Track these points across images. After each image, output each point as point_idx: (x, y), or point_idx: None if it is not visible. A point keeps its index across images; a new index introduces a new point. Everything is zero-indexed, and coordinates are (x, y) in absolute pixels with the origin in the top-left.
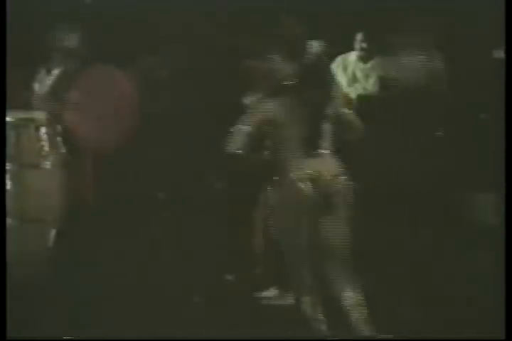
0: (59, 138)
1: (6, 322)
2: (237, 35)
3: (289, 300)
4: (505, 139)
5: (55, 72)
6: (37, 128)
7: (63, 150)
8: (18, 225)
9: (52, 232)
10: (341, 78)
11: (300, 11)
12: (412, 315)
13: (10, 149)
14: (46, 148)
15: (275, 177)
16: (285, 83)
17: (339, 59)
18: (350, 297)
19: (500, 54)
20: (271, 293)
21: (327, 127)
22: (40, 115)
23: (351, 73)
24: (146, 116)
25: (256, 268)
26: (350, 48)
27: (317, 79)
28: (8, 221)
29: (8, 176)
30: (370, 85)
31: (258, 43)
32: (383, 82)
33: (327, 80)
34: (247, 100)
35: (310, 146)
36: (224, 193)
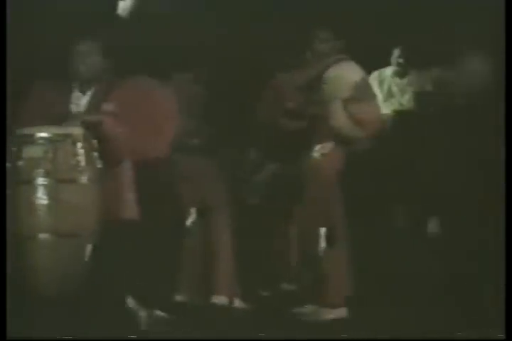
0: (95, 153)
1: (6, 322)
2: (272, 50)
3: (326, 315)
4: (505, 139)
5: (91, 89)
6: (73, 144)
7: (99, 165)
8: (53, 240)
9: (88, 247)
10: (377, 93)
11: (337, 26)
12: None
13: (46, 164)
14: (82, 163)
15: None
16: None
17: (375, 74)
18: None
19: None
20: (306, 308)
21: None
22: (76, 130)
23: (387, 88)
24: (181, 131)
25: (291, 284)
26: (386, 63)
27: None
28: (44, 236)
29: (44, 191)
30: (405, 100)
31: (294, 58)
32: (419, 98)
33: None
34: (283, 114)
35: None
36: (258, 207)
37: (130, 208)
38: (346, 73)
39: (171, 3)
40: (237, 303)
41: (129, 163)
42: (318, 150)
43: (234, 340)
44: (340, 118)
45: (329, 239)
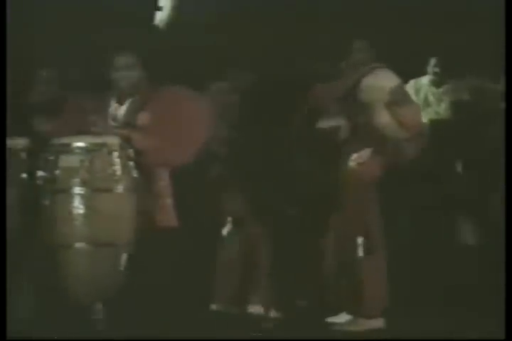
0: (131, 163)
1: (6, 322)
2: (308, 60)
3: (362, 326)
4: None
5: (128, 100)
6: (109, 153)
7: (135, 174)
8: (90, 249)
9: (124, 256)
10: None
11: (373, 36)
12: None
13: (83, 174)
14: (118, 173)
15: None
16: None
17: (412, 82)
18: None
19: None
20: (342, 318)
21: None
22: (112, 140)
23: (423, 97)
24: (216, 140)
25: (327, 294)
26: (423, 73)
27: None
28: (81, 245)
29: (80, 200)
30: (442, 109)
31: (330, 68)
32: (456, 107)
33: None
34: (322, 124)
35: None
36: (295, 217)
37: (169, 216)
38: (382, 81)
39: (208, 15)
40: (273, 313)
41: (166, 171)
42: (355, 159)
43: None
44: (383, 118)
45: (366, 248)
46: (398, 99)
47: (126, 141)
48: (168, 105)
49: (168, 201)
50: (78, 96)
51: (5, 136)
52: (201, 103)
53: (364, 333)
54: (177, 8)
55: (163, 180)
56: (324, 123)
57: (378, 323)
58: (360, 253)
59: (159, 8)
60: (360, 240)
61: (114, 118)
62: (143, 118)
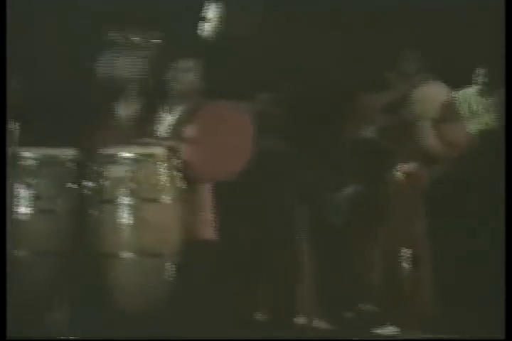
0: (177, 173)
1: (6, 322)
2: (356, 70)
3: (407, 337)
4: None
5: (176, 111)
6: (156, 164)
7: (182, 185)
8: (136, 259)
9: (170, 266)
10: (462, 112)
11: (422, 45)
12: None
13: (130, 184)
14: (165, 183)
15: None
16: None
17: (460, 92)
18: None
19: None
20: (388, 330)
21: None
22: (159, 150)
23: (471, 107)
24: (261, 151)
25: (373, 305)
26: (471, 82)
27: None
28: (128, 254)
29: (127, 210)
30: (491, 120)
31: (378, 78)
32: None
33: None
34: (368, 135)
35: None
36: (340, 228)
37: (208, 229)
38: (434, 93)
39: (254, 25)
40: (319, 324)
41: (209, 185)
42: (401, 170)
43: (247, 340)
44: (428, 137)
45: (412, 260)
46: (447, 115)
47: (173, 152)
48: (216, 119)
49: (209, 215)
50: (129, 104)
51: (5, 137)
52: (249, 119)
53: None
54: (223, 20)
55: (206, 194)
56: (370, 134)
57: (423, 334)
58: (406, 264)
59: (206, 19)
60: (405, 252)
61: (163, 128)
62: (190, 130)
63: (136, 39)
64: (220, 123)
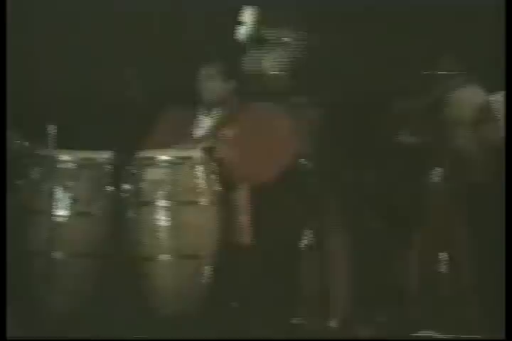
0: (214, 176)
1: (6, 322)
2: (391, 73)
3: None
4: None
5: (215, 113)
6: (193, 166)
7: (218, 187)
8: (174, 261)
9: (208, 269)
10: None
11: (458, 49)
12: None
13: (167, 186)
14: (202, 186)
15: None
16: None
17: (497, 95)
18: None
19: None
20: (424, 334)
21: None
22: (196, 153)
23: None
24: (299, 154)
25: (409, 309)
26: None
27: None
28: (165, 257)
29: (165, 213)
30: None
31: (415, 81)
32: None
33: None
34: (404, 139)
35: None
36: (377, 230)
37: (244, 233)
38: (470, 96)
39: (290, 29)
40: (354, 327)
41: (246, 188)
42: (438, 174)
43: (249, 340)
44: (463, 141)
45: (450, 263)
46: (483, 119)
47: (210, 153)
48: (255, 122)
49: (245, 218)
50: (172, 108)
51: (5, 137)
52: (285, 120)
53: None
54: (259, 23)
55: (242, 198)
56: (406, 138)
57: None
58: (444, 268)
59: (241, 23)
60: (443, 255)
61: (201, 130)
62: (228, 132)
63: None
64: (258, 126)
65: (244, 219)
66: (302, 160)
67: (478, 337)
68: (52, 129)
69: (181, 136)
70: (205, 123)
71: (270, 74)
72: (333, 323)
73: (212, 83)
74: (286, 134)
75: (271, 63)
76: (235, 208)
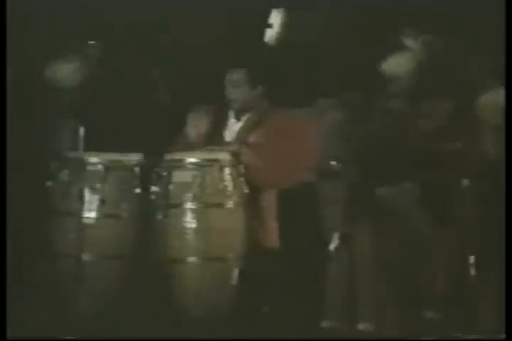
0: (242, 179)
1: (6, 322)
2: (418, 75)
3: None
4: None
5: (245, 116)
6: (221, 169)
7: (246, 190)
8: (201, 263)
9: (235, 271)
10: None
11: (487, 52)
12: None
13: (195, 189)
14: (230, 188)
15: None
16: None
17: None
18: None
19: None
20: (452, 337)
21: None
22: (224, 156)
23: None
24: (327, 157)
25: (437, 312)
26: None
27: None
28: (193, 259)
29: (192, 215)
30: None
31: (444, 84)
32: None
33: None
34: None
35: None
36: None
37: (271, 237)
38: (498, 100)
39: (317, 31)
40: (383, 330)
41: (272, 193)
42: (466, 176)
43: (245, 340)
44: (493, 143)
45: (479, 266)
46: None
47: (237, 157)
48: (282, 127)
49: (272, 223)
50: (199, 111)
51: (5, 138)
52: (314, 125)
53: None
54: (287, 26)
55: (269, 201)
56: (436, 140)
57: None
58: (473, 271)
59: (269, 26)
60: (472, 258)
61: (230, 134)
62: (255, 136)
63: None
64: (286, 131)
65: (271, 222)
66: (333, 163)
67: (479, 337)
68: (81, 132)
69: (210, 139)
70: (234, 127)
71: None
72: (362, 326)
73: (238, 88)
74: (313, 139)
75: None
76: (263, 211)
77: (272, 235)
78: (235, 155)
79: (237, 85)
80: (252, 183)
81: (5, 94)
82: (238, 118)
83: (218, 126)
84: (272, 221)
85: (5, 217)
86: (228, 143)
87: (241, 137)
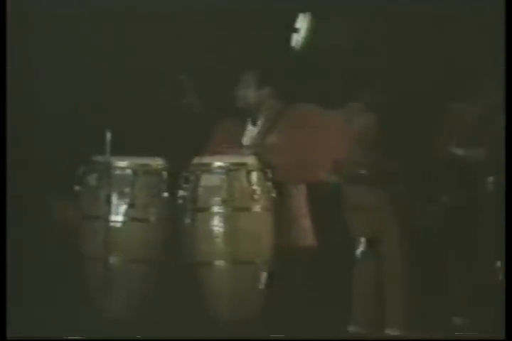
0: (269, 183)
1: (6, 322)
2: (445, 80)
3: None
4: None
5: (260, 121)
6: (248, 173)
7: (273, 194)
8: (229, 267)
9: (264, 275)
10: None
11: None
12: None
13: (223, 193)
14: (257, 192)
15: None
16: None
17: None
18: None
19: None
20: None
21: None
22: (251, 160)
23: None
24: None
25: (464, 317)
26: None
27: None
28: (221, 263)
29: (220, 219)
30: None
31: (468, 88)
32: None
33: None
34: (459, 151)
35: None
36: (431, 239)
37: (307, 236)
38: None
39: (342, 37)
40: (410, 335)
41: (302, 192)
42: (493, 182)
43: (243, 340)
44: None
45: (505, 271)
46: None
47: (261, 160)
48: (299, 124)
49: (305, 221)
50: (228, 119)
51: (5, 139)
52: (333, 122)
53: None
54: (313, 30)
55: (300, 200)
56: (461, 150)
57: None
58: (500, 276)
59: (296, 30)
60: (499, 263)
61: (248, 138)
62: (272, 137)
63: None
64: (306, 124)
65: (305, 221)
66: (361, 170)
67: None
68: (109, 136)
69: (235, 144)
70: (252, 133)
71: None
72: (389, 331)
73: (245, 90)
74: (333, 138)
75: None
76: (295, 211)
77: (306, 234)
78: (258, 157)
79: (244, 87)
80: (280, 185)
81: (32, 100)
82: (254, 124)
83: (239, 131)
84: (306, 220)
85: (32, 220)
86: (248, 147)
87: (258, 141)
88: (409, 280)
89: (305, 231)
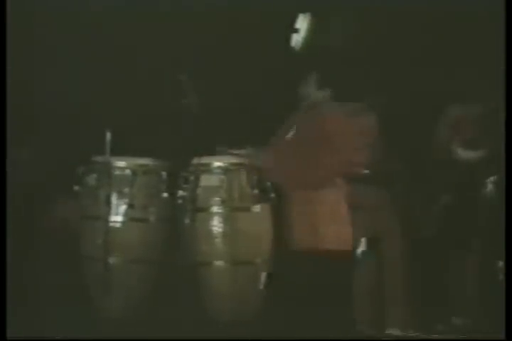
0: (268, 183)
1: (6, 322)
2: (448, 82)
3: None
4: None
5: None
6: (247, 173)
7: (272, 194)
8: (229, 267)
9: (263, 275)
10: None
11: None
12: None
13: (222, 193)
14: (256, 192)
15: None
16: None
17: None
18: None
19: None
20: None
21: None
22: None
23: None
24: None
25: (465, 317)
26: None
27: None
28: (220, 263)
29: (219, 219)
30: None
31: (469, 89)
32: None
33: None
34: (461, 153)
35: None
36: (432, 239)
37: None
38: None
39: (343, 37)
40: (411, 335)
41: (303, 196)
42: (493, 182)
43: (243, 340)
44: None
45: (506, 271)
46: None
47: (255, 162)
48: (307, 125)
49: (342, 225)
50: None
51: (5, 140)
52: (344, 125)
53: None
54: (313, 31)
55: (300, 205)
56: (461, 150)
57: None
58: (501, 277)
59: (296, 31)
60: (500, 263)
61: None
62: (274, 138)
63: None
64: (311, 128)
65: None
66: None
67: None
68: (109, 136)
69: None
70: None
71: None
72: (390, 331)
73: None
74: (340, 142)
75: None
76: (292, 216)
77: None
78: (251, 159)
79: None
80: (279, 186)
81: (32, 100)
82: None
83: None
84: (341, 223)
85: (32, 221)
86: (248, 148)
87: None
88: (409, 280)
89: (335, 234)
